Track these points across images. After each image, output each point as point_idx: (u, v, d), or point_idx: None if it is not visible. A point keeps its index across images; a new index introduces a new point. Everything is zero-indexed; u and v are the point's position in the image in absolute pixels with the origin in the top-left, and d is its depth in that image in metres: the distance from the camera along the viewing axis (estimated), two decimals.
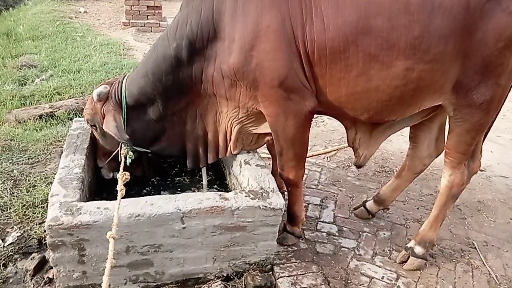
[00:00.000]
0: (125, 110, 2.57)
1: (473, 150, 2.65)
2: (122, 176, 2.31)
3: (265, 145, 3.22)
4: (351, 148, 2.82)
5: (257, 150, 2.88)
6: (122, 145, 2.62)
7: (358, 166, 2.93)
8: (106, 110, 2.57)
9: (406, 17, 2.12)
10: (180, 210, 2.21)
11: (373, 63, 2.20)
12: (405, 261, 2.80)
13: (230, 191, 2.53)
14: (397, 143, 4.40)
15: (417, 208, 3.47)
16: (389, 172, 4.00)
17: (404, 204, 3.51)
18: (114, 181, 2.87)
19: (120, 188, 2.17)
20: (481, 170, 2.90)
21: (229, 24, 2.27)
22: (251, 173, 2.59)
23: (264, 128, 2.60)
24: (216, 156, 2.75)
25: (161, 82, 2.47)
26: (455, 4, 2.11)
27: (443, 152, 2.73)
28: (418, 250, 2.77)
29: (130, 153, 2.62)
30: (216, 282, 2.42)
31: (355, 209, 3.31)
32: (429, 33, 2.13)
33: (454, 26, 2.13)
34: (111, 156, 2.76)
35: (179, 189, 3.00)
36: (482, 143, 2.83)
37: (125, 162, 2.56)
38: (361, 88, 2.28)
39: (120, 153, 2.63)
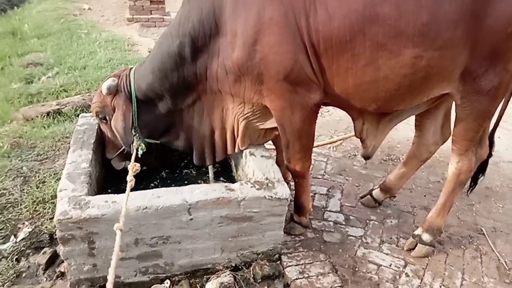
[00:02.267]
0: (135, 103, 2.57)
1: (480, 136, 2.63)
2: (133, 167, 2.32)
3: None
4: (359, 139, 2.80)
5: None
6: (134, 138, 2.63)
7: (366, 157, 2.90)
8: (117, 104, 2.58)
9: (413, 3, 2.08)
10: (187, 201, 2.23)
11: (381, 51, 2.16)
12: (413, 248, 2.81)
13: (236, 182, 2.54)
14: (403, 131, 4.37)
15: (424, 196, 3.46)
16: (395, 160, 3.99)
17: (411, 191, 3.50)
18: (122, 175, 2.91)
19: (130, 179, 2.19)
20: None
21: (230, 18, 2.25)
22: (256, 164, 2.61)
23: (271, 123, 2.59)
24: (224, 153, 2.74)
25: (167, 79, 2.47)
26: None
27: (449, 138, 2.72)
28: (426, 237, 2.78)
29: (142, 145, 2.63)
30: (225, 272, 2.45)
31: (362, 198, 3.32)
32: (437, 19, 2.09)
33: (463, 12, 2.09)
34: (120, 150, 2.78)
35: (185, 181, 3.02)
36: (495, 132, 2.81)
37: (136, 154, 2.57)
38: (369, 78, 2.24)
39: (132, 145, 2.64)
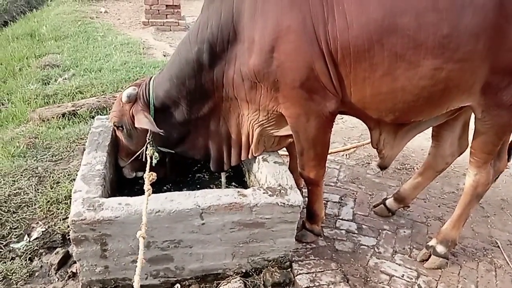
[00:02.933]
0: (153, 111, 2.59)
1: (499, 149, 2.58)
2: (149, 176, 2.32)
3: None
4: (375, 149, 2.76)
5: None
6: (148, 146, 2.64)
7: (382, 168, 2.87)
8: (135, 110, 2.60)
9: (434, 15, 2.05)
10: (199, 206, 2.23)
11: (399, 62, 2.13)
12: (426, 260, 2.77)
13: (249, 188, 2.54)
14: (418, 140, 4.31)
15: (438, 206, 3.42)
16: (410, 169, 3.94)
17: (425, 202, 3.46)
18: (136, 178, 2.93)
19: (147, 188, 2.20)
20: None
21: (248, 25, 2.25)
22: (269, 170, 2.60)
23: (285, 131, 2.59)
24: (238, 159, 2.75)
25: (184, 86, 2.49)
26: (487, 1, 2.04)
27: (466, 150, 2.68)
28: (440, 249, 2.74)
29: (156, 153, 2.64)
30: (235, 278, 2.44)
31: (375, 207, 3.28)
32: (458, 32, 2.06)
33: (485, 25, 2.06)
34: (134, 156, 2.80)
35: (198, 186, 3.03)
36: None
37: (150, 163, 2.58)
38: (386, 88, 2.21)
39: (146, 153, 2.65)
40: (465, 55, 2.10)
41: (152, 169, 2.47)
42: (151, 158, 2.61)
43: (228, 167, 2.81)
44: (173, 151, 2.76)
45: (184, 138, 2.71)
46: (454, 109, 2.43)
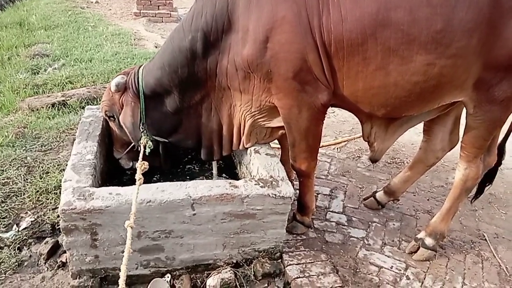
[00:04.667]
0: (143, 100, 2.57)
1: (489, 144, 2.61)
2: (141, 166, 2.31)
3: None
4: (366, 142, 2.78)
5: None
6: (142, 135, 2.63)
7: (373, 161, 2.89)
8: (125, 100, 2.58)
9: (428, 10, 2.04)
10: (190, 196, 2.23)
11: (392, 57, 2.13)
12: (415, 252, 2.81)
13: (240, 179, 2.54)
14: (408, 135, 4.34)
15: (427, 200, 3.46)
16: (400, 163, 3.98)
17: (415, 195, 3.50)
18: (126, 168, 2.92)
19: (139, 177, 2.18)
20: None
21: (243, 15, 2.24)
22: (260, 162, 2.60)
23: (277, 122, 2.59)
24: (230, 149, 2.75)
25: (177, 74, 2.46)
26: None
27: (457, 145, 2.69)
28: (429, 241, 2.77)
29: (150, 142, 2.62)
30: (226, 268, 2.45)
31: (365, 200, 3.31)
32: (452, 27, 2.05)
33: (480, 20, 2.05)
34: (129, 147, 2.77)
35: (188, 177, 3.02)
36: (506, 141, 2.79)
37: (144, 152, 2.56)
38: (379, 82, 2.21)
39: (140, 143, 2.63)
40: (459, 51, 2.10)
41: (145, 158, 2.46)
42: (144, 147, 2.59)
43: (219, 157, 2.81)
44: (166, 140, 2.74)
45: (176, 127, 2.69)
46: (447, 104, 2.45)
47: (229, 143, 2.72)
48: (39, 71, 5.45)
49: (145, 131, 2.61)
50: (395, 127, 2.70)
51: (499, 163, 2.84)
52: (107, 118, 2.75)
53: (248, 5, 2.22)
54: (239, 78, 2.39)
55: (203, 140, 2.73)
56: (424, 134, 2.97)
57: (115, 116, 2.68)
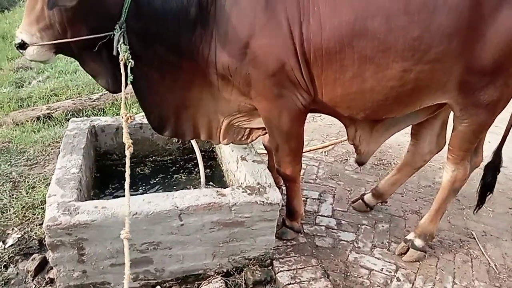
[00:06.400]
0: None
1: (476, 145, 2.63)
2: (127, 119, 1.93)
3: (261, 141, 3.24)
4: (352, 145, 2.79)
5: (253, 146, 2.89)
6: (120, 38, 2.02)
7: (360, 163, 2.90)
8: None
9: (405, 18, 2.04)
10: (177, 207, 2.21)
11: (369, 65, 2.14)
12: (404, 253, 2.82)
13: (228, 187, 2.53)
14: (394, 136, 4.37)
15: (415, 200, 3.48)
16: (387, 165, 4.00)
17: (402, 196, 3.52)
18: (113, 181, 2.89)
19: (128, 145, 1.88)
20: None
21: (226, 15, 2.15)
22: (248, 169, 2.60)
23: (258, 123, 2.57)
24: (208, 138, 2.63)
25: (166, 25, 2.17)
26: (462, 1, 2.03)
27: (444, 148, 2.71)
28: (418, 242, 2.78)
29: (129, 55, 2.01)
30: (216, 278, 2.44)
31: (354, 202, 3.32)
32: (430, 33, 2.05)
33: (460, 24, 2.05)
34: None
35: (174, 187, 3.00)
36: (501, 148, 2.81)
37: (126, 74, 2.01)
38: (356, 89, 2.23)
39: (120, 59, 2.02)
40: (437, 56, 2.11)
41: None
42: (125, 64, 2.02)
43: (186, 139, 2.70)
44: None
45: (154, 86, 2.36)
46: (434, 107, 2.46)
47: (207, 131, 2.57)
48: (23, 84, 5.41)
49: (123, 34, 2.02)
50: (381, 130, 2.71)
51: (497, 170, 2.85)
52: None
53: (231, 8, 2.14)
54: (218, 79, 2.33)
55: (168, 110, 2.48)
56: (412, 137, 2.99)
57: None
